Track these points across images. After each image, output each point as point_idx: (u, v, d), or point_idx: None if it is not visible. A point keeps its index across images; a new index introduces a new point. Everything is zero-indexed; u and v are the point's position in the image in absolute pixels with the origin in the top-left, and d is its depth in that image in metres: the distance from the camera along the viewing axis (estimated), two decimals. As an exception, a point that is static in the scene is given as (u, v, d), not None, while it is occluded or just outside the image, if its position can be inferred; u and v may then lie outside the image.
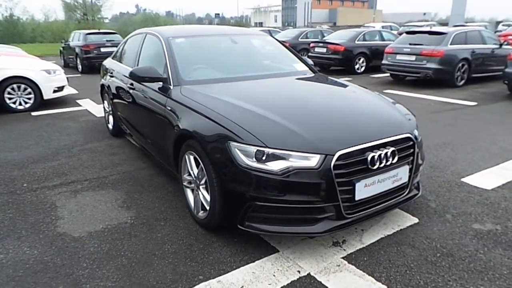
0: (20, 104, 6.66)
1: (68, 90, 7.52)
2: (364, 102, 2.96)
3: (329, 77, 3.70)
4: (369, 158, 2.24)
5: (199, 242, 2.50)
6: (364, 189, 2.25)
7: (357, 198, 2.24)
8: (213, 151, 2.35)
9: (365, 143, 2.28)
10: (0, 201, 3.15)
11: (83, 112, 6.59)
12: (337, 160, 2.15)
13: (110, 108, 4.86)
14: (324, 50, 11.83)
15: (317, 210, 2.20)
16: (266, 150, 2.17)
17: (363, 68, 11.61)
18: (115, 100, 4.54)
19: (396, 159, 2.37)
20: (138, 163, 3.98)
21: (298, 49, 13.35)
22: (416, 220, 2.75)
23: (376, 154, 2.27)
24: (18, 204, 3.10)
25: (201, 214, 2.62)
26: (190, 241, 2.52)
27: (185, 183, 2.82)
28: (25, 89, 6.64)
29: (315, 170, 2.13)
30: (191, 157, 2.64)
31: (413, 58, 8.84)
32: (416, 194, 2.71)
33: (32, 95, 6.72)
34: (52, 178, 3.62)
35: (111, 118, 4.94)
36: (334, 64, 11.70)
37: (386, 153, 2.32)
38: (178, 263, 2.28)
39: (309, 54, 12.46)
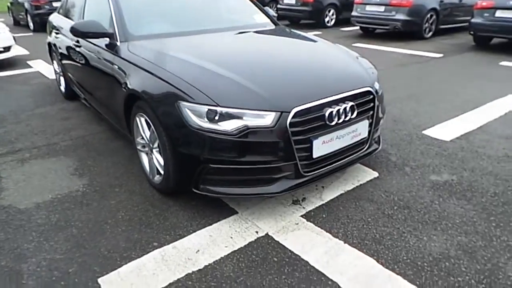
0: (-38, 66, 6.09)
1: (16, 51, 6.93)
2: (324, 56, 2.83)
3: (291, 30, 3.51)
4: (326, 114, 2.15)
5: (155, 207, 2.40)
6: (322, 146, 2.18)
7: (314, 156, 2.17)
8: (163, 112, 2.19)
9: (322, 98, 2.18)
10: None
11: (34, 74, 6.11)
12: (293, 117, 2.05)
13: (60, 69, 4.50)
14: (294, 1, 11.38)
15: (274, 169, 2.12)
16: (218, 109, 2.03)
17: (333, 21, 11.32)
18: (64, 61, 4.18)
19: (355, 114, 2.30)
20: (93, 127, 3.75)
21: (267, 0, 12.79)
22: (376, 174, 2.75)
23: (334, 109, 2.18)
24: (-42, 176, 2.86)
25: (156, 178, 2.50)
26: (146, 207, 2.41)
27: (139, 147, 2.67)
28: (-34, 50, 6.05)
29: (271, 128, 2.03)
30: (142, 120, 2.47)
31: (382, 8, 8.65)
32: (376, 149, 2.69)
33: (-26, 57, 6.15)
34: (-2, 147, 3.36)
35: (62, 79, 4.58)
36: (304, 17, 11.34)
37: (345, 108, 2.23)
38: (132, 231, 2.19)
39: (278, 6, 11.98)
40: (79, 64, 3.59)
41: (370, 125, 2.49)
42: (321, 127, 2.17)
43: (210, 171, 2.10)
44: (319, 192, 2.54)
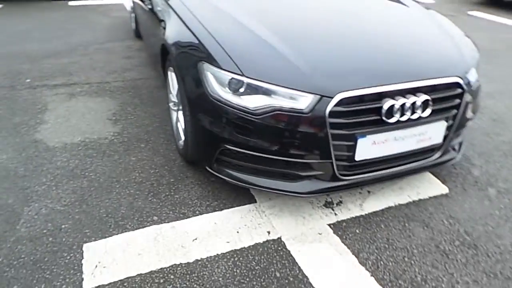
0: (59, -10, 6.41)
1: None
2: (404, 26, 2.17)
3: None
4: (385, 107, 1.61)
5: (171, 174, 2.18)
6: (371, 147, 1.68)
7: (358, 158, 1.68)
8: (186, 72, 1.86)
9: (383, 85, 1.63)
10: (-2, 95, 3.04)
11: (118, 7, 6.19)
12: (336, 105, 1.56)
13: (132, 5, 4.39)
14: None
15: (301, 165, 1.70)
16: (243, 79, 1.62)
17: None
18: (134, -4, 4.03)
19: (428, 111, 1.71)
20: (147, 72, 3.61)
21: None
22: (445, 190, 2.14)
23: (397, 102, 1.62)
24: (13, 100, 2.96)
25: (180, 142, 2.25)
26: (162, 172, 2.20)
27: (170, 104, 2.42)
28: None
29: (304, 114, 1.58)
30: (173, 75, 2.18)
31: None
32: (453, 158, 2.07)
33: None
34: (56, 77, 3.42)
35: (134, 16, 4.49)
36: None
37: (414, 103, 1.66)
38: (138, 197, 2.00)
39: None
40: (140, 3, 3.39)
41: (449, 128, 1.87)
42: (374, 123, 1.65)
43: (226, 151, 1.76)
44: (362, 198, 2.05)
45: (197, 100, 1.79)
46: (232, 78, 1.64)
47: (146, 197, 2.00)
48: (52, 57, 3.88)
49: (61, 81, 3.33)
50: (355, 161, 1.69)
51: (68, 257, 1.62)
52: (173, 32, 2.07)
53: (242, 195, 2.03)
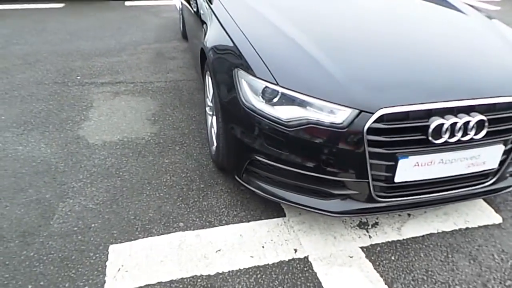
0: (116, -11, 6.70)
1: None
2: (463, 38, 1.97)
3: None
4: (432, 126, 1.46)
5: (201, 180, 2.15)
6: (413, 169, 1.53)
7: (397, 180, 1.54)
8: (220, 78, 1.82)
9: (433, 102, 1.48)
10: (50, 90, 3.20)
11: (170, 7, 6.35)
12: (376, 121, 1.44)
13: (180, 6, 4.47)
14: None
15: (334, 183, 1.59)
16: (278, 89, 1.55)
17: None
18: (182, -2, 4.10)
19: (483, 133, 1.53)
20: (190, 73, 3.64)
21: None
22: (498, 219, 1.92)
23: (447, 122, 1.46)
24: (62, 96, 3.10)
25: (213, 148, 2.22)
26: (193, 176, 2.18)
27: (206, 108, 2.40)
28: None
29: (340, 130, 1.47)
30: (210, 79, 2.15)
31: None
32: (509, 186, 1.84)
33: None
34: (105, 75, 3.55)
35: (181, 17, 4.57)
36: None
37: (466, 123, 1.49)
38: (167, 200, 1.99)
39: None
40: (187, 5, 3.42)
41: (508, 152, 1.66)
42: (418, 143, 1.50)
43: (256, 162, 1.69)
44: (401, 221, 1.89)
45: (230, 107, 1.74)
46: (266, 86, 1.57)
47: (174, 202, 1.98)
48: (103, 55, 4.04)
49: (108, 79, 3.45)
50: (395, 182, 1.55)
51: (94, 257, 1.64)
52: (212, 36, 2.05)
53: (271, 208, 1.95)
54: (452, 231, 1.84)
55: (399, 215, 1.93)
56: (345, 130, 1.46)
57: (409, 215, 1.93)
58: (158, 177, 2.17)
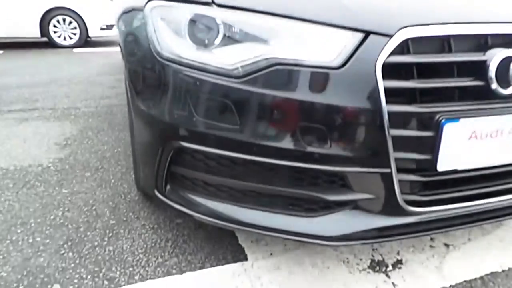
0: (65, 39, 6.18)
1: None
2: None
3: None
4: (493, 64, 0.81)
5: (114, 214, 1.35)
6: (468, 145, 0.84)
7: (442, 168, 0.84)
8: (126, 27, 1.14)
9: (490, 22, 0.84)
10: None
11: (123, 52, 5.85)
12: (396, 51, 0.77)
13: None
14: None
15: (327, 180, 0.86)
16: (215, 15, 0.87)
17: None
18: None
19: None
20: (130, 98, 2.96)
21: None
22: None
23: (516, 55, 0.82)
24: None
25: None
26: (102, 209, 1.37)
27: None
28: (70, 22, 6.12)
29: (331, 70, 0.79)
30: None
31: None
32: None
33: (77, 30, 6.18)
34: (18, 103, 2.78)
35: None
36: None
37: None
38: (44, 249, 1.16)
39: None
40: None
41: None
42: (474, 95, 0.83)
43: (184, 156, 0.95)
44: (437, 255, 1.15)
45: (139, 69, 1.03)
46: (196, 14, 0.88)
47: (56, 250, 1.16)
48: (25, 87, 3.31)
49: (20, 107, 2.68)
50: (437, 172, 0.85)
51: None
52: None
53: (222, 247, 1.17)
54: (523, 266, 1.11)
55: (431, 246, 1.19)
56: (340, 70, 0.78)
57: (446, 245, 1.20)
58: (43, 214, 1.35)
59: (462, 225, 0.95)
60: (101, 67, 4.39)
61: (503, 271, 1.09)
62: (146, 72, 0.99)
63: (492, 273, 1.08)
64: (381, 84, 0.77)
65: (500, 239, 1.23)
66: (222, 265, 1.09)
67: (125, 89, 1.25)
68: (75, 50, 5.98)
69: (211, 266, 1.09)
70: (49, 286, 1.01)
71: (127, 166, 1.74)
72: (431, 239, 1.23)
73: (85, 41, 6.28)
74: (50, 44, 6.07)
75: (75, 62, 4.76)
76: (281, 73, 0.80)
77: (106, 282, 1.03)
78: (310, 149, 0.81)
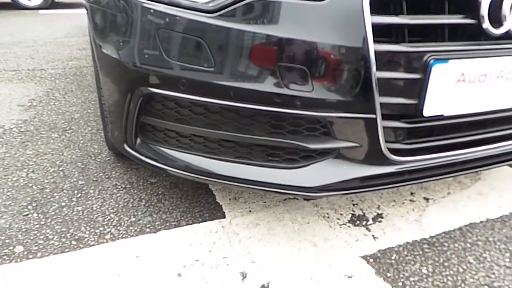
0: (29, 0, 5.76)
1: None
2: None
3: None
4: (485, 2, 0.76)
5: (83, 174, 1.27)
6: (456, 87, 0.80)
7: (428, 113, 0.80)
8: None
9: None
10: None
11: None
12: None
13: None
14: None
15: (307, 127, 0.81)
16: None
17: None
18: None
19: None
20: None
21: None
22: (556, 195, 1.24)
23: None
24: None
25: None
26: (70, 170, 1.29)
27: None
28: (34, -18, 5.68)
29: (315, 1, 0.71)
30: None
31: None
32: None
33: (42, -10, 5.76)
34: (-24, 65, 2.58)
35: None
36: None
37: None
38: (5, 211, 1.08)
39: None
40: None
41: None
42: (464, 35, 0.78)
43: (156, 106, 0.87)
44: (416, 208, 1.14)
45: (101, 7, 0.92)
46: None
47: (19, 212, 1.08)
48: (-14, 49, 3.07)
49: (-20, 69, 2.49)
50: (423, 118, 0.81)
51: None
52: None
53: (199, 205, 1.12)
54: (501, 217, 1.12)
55: (411, 200, 1.18)
56: (324, 3, 0.71)
57: (426, 199, 1.19)
58: (5, 176, 1.25)
59: (444, 174, 0.92)
60: (69, 29, 4.13)
61: (481, 222, 1.09)
62: (110, 9, 0.88)
63: (470, 223, 1.08)
64: (368, 19, 0.71)
65: (479, 192, 1.23)
66: (199, 223, 1.05)
67: (89, 35, 1.14)
68: (40, 11, 5.59)
69: (187, 224, 1.04)
70: (11, 247, 0.94)
71: (97, 127, 1.64)
72: (412, 193, 1.22)
73: (52, 2, 5.87)
74: (14, 5, 5.64)
75: (41, 24, 4.44)
76: (257, 6, 0.72)
77: (74, 242, 0.96)
78: (290, 92, 0.75)
